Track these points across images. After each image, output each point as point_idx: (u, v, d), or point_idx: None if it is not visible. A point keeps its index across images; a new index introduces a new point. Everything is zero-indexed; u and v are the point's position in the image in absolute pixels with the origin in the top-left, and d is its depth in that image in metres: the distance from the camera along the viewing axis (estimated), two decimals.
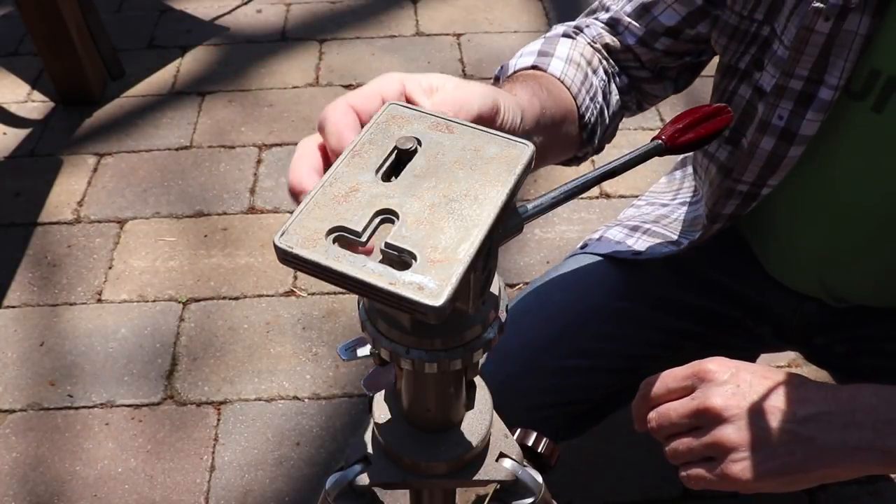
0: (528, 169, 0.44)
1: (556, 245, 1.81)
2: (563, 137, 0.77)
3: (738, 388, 0.63)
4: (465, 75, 2.29)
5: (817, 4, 0.70)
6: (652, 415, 0.69)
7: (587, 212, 1.88)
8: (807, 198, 0.84)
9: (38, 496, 1.40)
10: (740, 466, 0.61)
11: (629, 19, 0.87)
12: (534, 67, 0.79)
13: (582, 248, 1.05)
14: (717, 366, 0.65)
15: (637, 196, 1.91)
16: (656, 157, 0.57)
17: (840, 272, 0.88)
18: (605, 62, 0.87)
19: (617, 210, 1.88)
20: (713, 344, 1.01)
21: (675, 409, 0.67)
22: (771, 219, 0.88)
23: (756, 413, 0.62)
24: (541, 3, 2.55)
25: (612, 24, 0.88)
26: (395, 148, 0.43)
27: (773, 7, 0.77)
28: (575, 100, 0.78)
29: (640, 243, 0.99)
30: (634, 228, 1.02)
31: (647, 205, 1.09)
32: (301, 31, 2.49)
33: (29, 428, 1.49)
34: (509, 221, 0.47)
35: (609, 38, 0.88)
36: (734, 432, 0.62)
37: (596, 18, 0.90)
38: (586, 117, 0.79)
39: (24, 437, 1.48)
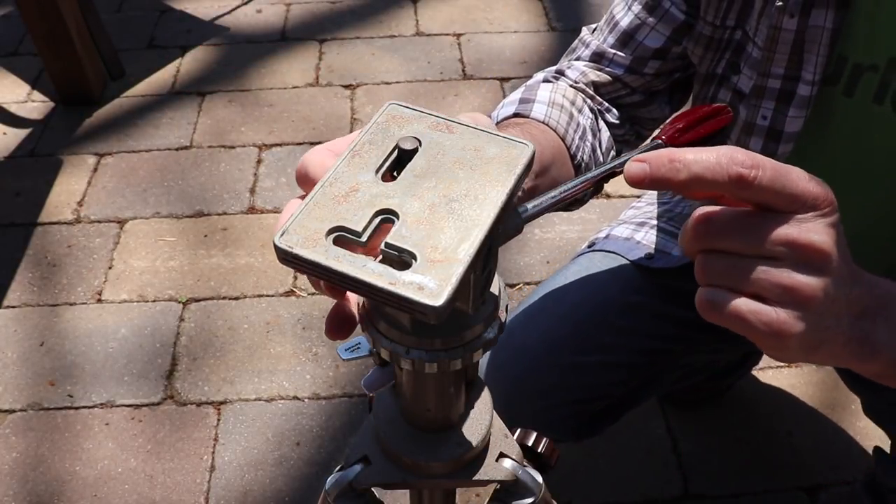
0: (529, 169, 0.44)
1: (556, 245, 1.81)
2: (555, 181, 0.75)
3: (839, 233, 0.46)
4: (465, 75, 2.29)
5: (779, 3, 0.72)
6: (715, 210, 0.46)
7: (587, 212, 1.88)
8: None
9: (38, 496, 1.40)
10: (804, 326, 0.45)
11: (613, 50, 0.87)
12: (516, 115, 0.78)
13: (589, 246, 1.06)
14: (824, 191, 0.46)
15: (638, 197, 1.91)
16: None
17: None
18: (589, 101, 0.86)
19: (617, 210, 1.88)
20: (728, 338, 1.01)
21: (769, 227, 0.45)
22: None
23: (842, 271, 0.46)
24: (541, 2, 2.55)
25: (597, 59, 0.88)
26: (396, 147, 0.43)
27: (744, 11, 0.78)
28: (563, 140, 0.77)
29: (648, 237, 1.00)
30: (641, 224, 1.03)
31: (647, 204, 1.10)
32: (301, 31, 2.49)
33: (29, 428, 1.49)
34: (509, 221, 0.47)
35: (594, 75, 0.87)
36: (822, 284, 0.45)
37: (578, 58, 0.90)
38: (578, 157, 0.78)
39: (24, 437, 1.48)
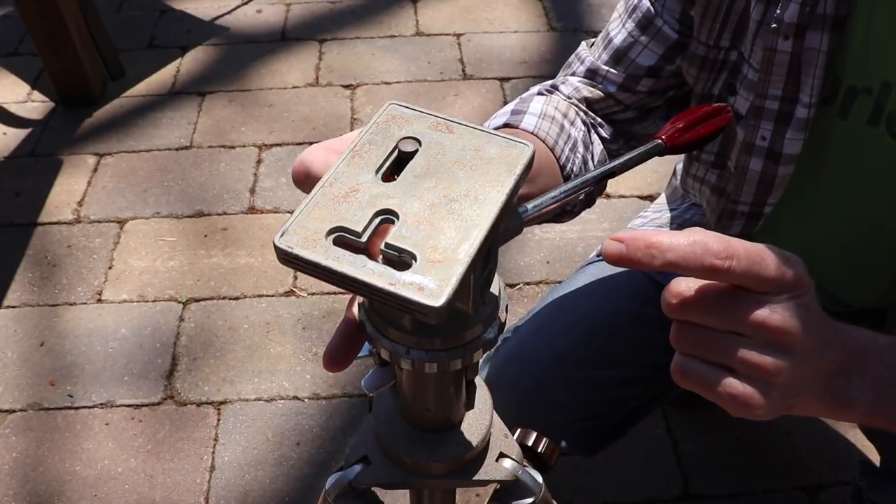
0: (529, 169, 0.44)
1: (556, 245, 1.81)
2: (544, 192, 0.74)
3: (810, 312, 0.47)
4: (465, 75, 2.29)
5: (773, 25, 0.71)
6: (690, 286, 0.47)
7: (587, 212, 1.86)
8: (804, 210, 0.85)
9: (38, 496, 1.40)
10: (767, 400, 0.47)
11: (607, 67, 0.86)
12: (506, 126, 0.78)
13: (599, 255, 1.05)
14: (797, 274, 0.47)
15: (638, 196, 1.91)
16: (656, 157, 0.57)
17: (838, 277, 0.88)
18: (582, 114, 0.85)
19: (617, 210, 1.88)
20: None
21: (739, 306, 0.47)
22: (773, 228, 0.89)
23: (810, 350, 0.48)
24: (541, 2, 2.55)
25: (590, 76, 0.87)
26: (397, 148, 0.43)
27: (738, 32, 0.78)
28: (553, 151, 0.76)
29: None
30: None
31: (655, 212, 1.09)
32: (301, 31, 2.49)
33: (29, 428, 1.49)
34: (509, 221, 0.47)
35: (587, 91, 0.86)
36: (788, 365, 0.47)
37: (573, 73, 0.89)
38: (568, 168, 0.77)
39: (24, 437, 1.48)
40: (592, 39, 0.91)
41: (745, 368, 0.47)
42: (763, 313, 0.46)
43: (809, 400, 0.50)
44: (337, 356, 0.48)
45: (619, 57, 0.85)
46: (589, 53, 0.88)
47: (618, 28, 0.86)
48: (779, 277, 0.46)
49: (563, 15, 2.49)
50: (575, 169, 0.78)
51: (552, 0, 2.55)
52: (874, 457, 0.96)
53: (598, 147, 0.85)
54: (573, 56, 0.91)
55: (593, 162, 0.83)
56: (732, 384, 0.47)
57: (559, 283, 1.73)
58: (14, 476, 1.43)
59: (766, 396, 0.47)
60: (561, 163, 0.76)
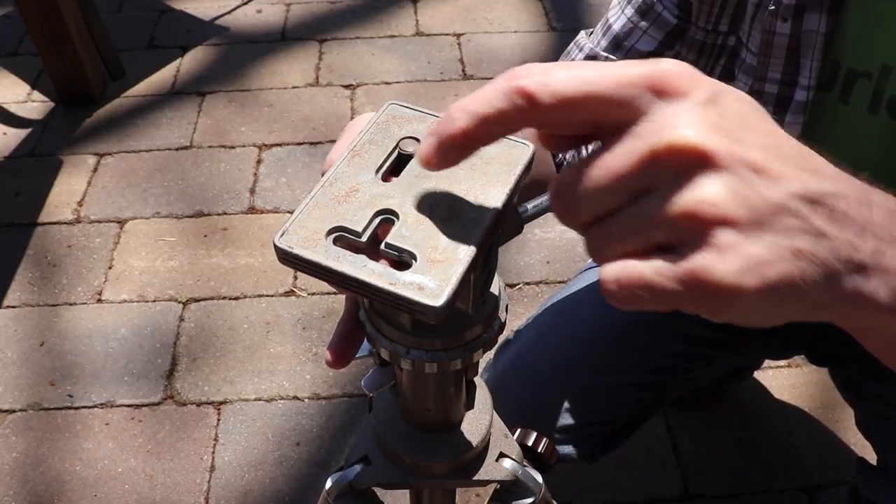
0: (529, 169, 0.44)
1: (556, 245, 1.81)
2: (535, 178, 0.73)
3: (723, 118, 0.31)
4: (465, 75, 2.29)
5: (771, 7, 0.71)
6: (567, 178, 0.33)
7: None
8: None
9: (38, 496, 1.40)
10: (729, 262, 0.29)
11: (606, 54, 0.86)
12: None
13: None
14: (682, 70, 0.32)
15: None
16: None
17: None
18: None
19: None
20: (740, 352, 1.01)
21: (612, 159, 0.32)
22: None
23: (753, 167, 0.30)
24: (541, 2, 2.55)
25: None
26: (397, 148, 0.43)
27: (736, 16, 0.78)
28: None
29: None
30: None
31: None
32: (301, 31, 2.49)
33: (29, 428, 1.49)
34: (509, 221, 0.47)
35: None
36: (722, 190, 0.30)
37: (571, 60, 0.89)
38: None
39: (24, 437, 1.48)
40: (591, 29, 0.92)
41: (673, 230, 0.30)
42: (643, 142, 0.31)
43: (813, 274, 0.31)
44: (339, 352, 0.48)
45: (618, 43, 0.85)
46: (588, 41, 0.88)
47: (617, 14, 0.86)
48: (628, 79, 0.31)
49: (563, 15, 2.49)
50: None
51: (552, 0, 2.55)
52: (871, 455, 0.96)
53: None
54: (572, 44, 0.91)
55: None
56: (667, 266, 0.30)
57: (559, 283, 1.74)
58: (14, 476, 1.43)
59: (724, 254, 0.29)
60: None
